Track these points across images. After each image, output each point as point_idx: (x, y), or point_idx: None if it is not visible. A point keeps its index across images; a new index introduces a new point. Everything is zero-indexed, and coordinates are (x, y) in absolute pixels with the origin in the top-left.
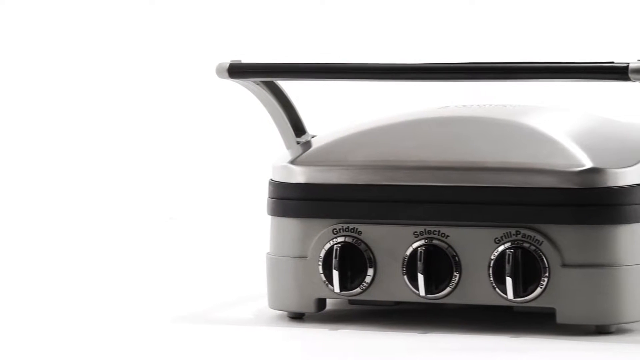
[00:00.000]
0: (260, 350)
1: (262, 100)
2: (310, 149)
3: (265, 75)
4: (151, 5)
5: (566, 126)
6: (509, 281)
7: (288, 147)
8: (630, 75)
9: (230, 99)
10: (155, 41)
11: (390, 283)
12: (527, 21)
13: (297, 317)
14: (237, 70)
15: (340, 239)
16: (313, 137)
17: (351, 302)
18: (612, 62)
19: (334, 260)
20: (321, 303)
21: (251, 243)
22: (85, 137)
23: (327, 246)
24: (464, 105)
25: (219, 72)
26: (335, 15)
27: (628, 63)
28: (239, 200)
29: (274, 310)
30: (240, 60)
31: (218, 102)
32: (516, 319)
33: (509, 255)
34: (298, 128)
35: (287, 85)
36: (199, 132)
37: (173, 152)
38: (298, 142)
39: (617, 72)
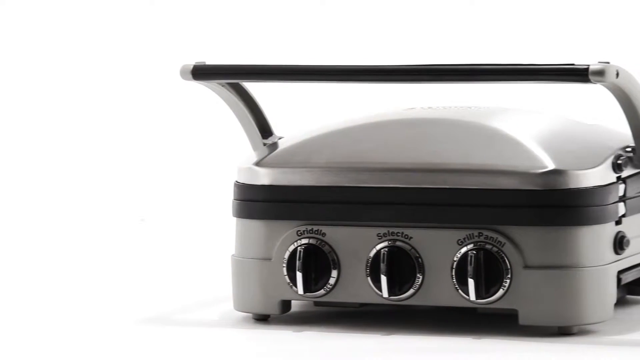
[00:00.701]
0: (223, 352)
1: (227, 102)
2: (275, 151)
3: (228, 77)
4: (123, 6)
5: (531, 128)
6: (471, 283)
7: (255, 149)
8: (591, 77)
9: (201, 100)
10: (123, 43)
11: (354, 284)
12: (495, 24)
13: (262, 319)
14: (201, 72)
15: (304, 241)
16: (280, 138)
17: (316, 303)
18: (573, 64)
19: (297, 262)
20: (286, 305)
21: (219, 245)
22: (56, 140)
23: (291, 248)
24: (430, 107)
25: (182, 73)
26: (304, 16)
27: (588, 65)
28: (210, 202)
29: (239, 312)
30: (204, 62)
31: (189, 103)
32: (479, 320)
33: (471, 256)
34: (265, 130)
35: (256, 87)
36: (169, 134)
37: (144, 154)
38: (265, 144)
39: (577, 74)
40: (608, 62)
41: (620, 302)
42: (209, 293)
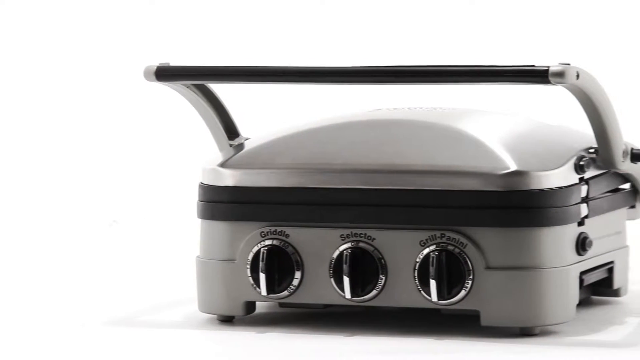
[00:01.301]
0: (185, 354)
1: (193, 104)
2: (240, 152)
3: (192, 78)
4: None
5: (495, 129)
6: (433, 284)
7: (221, 150)
8: (551, 79)
9: (173, 101)
10: (90, 45)
11: (318, 286)
12: (460, 25)
13: (227, 320)
14: (164, 74)
15: (267, 242)
16: (246, 139)
17: (281, 305)
18: (533, 66)
19: (260, 263)
20: (250, 306)
21: (187, 246)
22: (26, 142)
23: (255, 249)
24: (395, 108)
25: (146, 75)
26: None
27: (549, 66)
28: (179, 203)
29: (204, 314)
30: (168, 63)
31: (161, 104)
32: (443, 321)
33: (433, 257)
34: (231, 131)
35: (226, 88)
36: (139, 136)
37: (116, 156)
38: (231, 145)
39: (537, 76)
40: (569, 64)
41: (585, 303)
42: (175, 294)
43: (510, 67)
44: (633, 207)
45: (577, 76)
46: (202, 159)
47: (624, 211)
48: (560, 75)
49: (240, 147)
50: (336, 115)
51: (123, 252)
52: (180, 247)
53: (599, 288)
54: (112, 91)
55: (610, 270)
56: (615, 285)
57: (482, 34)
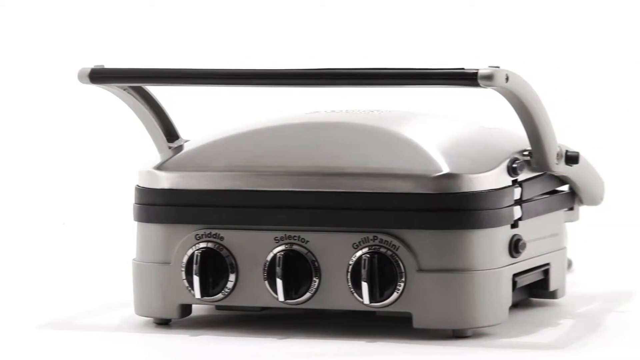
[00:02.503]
0: (119, 357)
1: (130, 106)
2: (176, 155)
3: (125, 80)
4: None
5: (430, 132)
6: (364, 286)
7: (160, 152)
8: (480, 82)
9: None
10: (32, 49)
11: (252, 288)
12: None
13: (163, 323)
14: (98, 76)
15: (202, 245)
16: (186, 141)
17: (218, 307)
18: (463, 69)
19: (194, 266)
20: (186, 309)
21: (127, 249)
22: None
23: (190, 252)
24: (334, 111)
25: (80, 77)
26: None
27: (477, 69)
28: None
29: (140, 317)
30: (103, 66)
31: (108, 106)
32: (378, 323)
33: (365, 260)
34: (171, 133)
35: (172, 90)
36: (86, 138)
37: (65, 159)
38: (170, 147)
39: (466, 79)
40: (498, 67)
41: (522, 305)
42: (113, 297)
43: (440, 70)
44: (572, 209)
45: (507, 79)
46: (141, 161)
47: (561, 213)
48: (488, 78)
49: (178, 149)
50: (274, 117)
51: (63, 255)
52: (120, 249)
53: (536, 290)
54: (57, 93)
55: (546, 272)
56: (552, 287)
57: (438, 37)
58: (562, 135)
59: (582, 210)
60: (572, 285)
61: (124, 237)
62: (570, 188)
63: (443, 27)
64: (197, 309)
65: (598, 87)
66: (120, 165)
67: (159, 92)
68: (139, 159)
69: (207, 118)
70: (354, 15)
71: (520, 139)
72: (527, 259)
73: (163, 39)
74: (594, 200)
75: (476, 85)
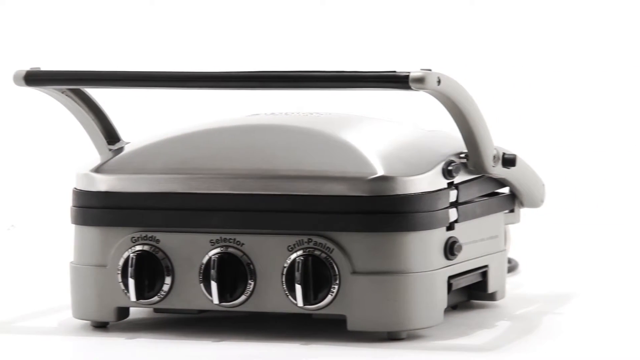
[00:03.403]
0: None
1: (69, 108)
2: (114, 158)
3: (62, 82)
4: None
5: (367, 135)
6: (298, 289)
7: (101, 154)
8: (411, 84)
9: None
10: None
11: (188, 291)
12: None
13: (101, 326)
14: (34, 78)
15: (137, 248)
16: (127, 144)
17: (156, 310)
18: (394, 71)
19: (129, 268)
20: (123, 312)
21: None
22: None
23: (125, 255)
24: (273, 113)
25: (15, 79)
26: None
27: (409, 72)
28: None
29: (78, 320)
30: (39, 68)
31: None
32: (314, 326)
33: (298, 262)
34: (111, 135)
35: (118, 93)
36: (31, 140)
37: (8, 162)
38: (110, 150)
39: (398, 81)
40: (430, 69)
41: (462, 307)
42: (52, 301)
43: (371, 72)
44: (512, 211)
45: (439, 82)
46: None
47: (501, 215)
48: (420, 81)
49: (117, 152)
50: (212, 120)
51: (14, 258)
52: (60, 252)
53: (475, 292)
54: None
55: (485, 274)
56: (490, 289)
57: (338, 40)
58: (502, 138)
59: (526, 212)
60: (515, 286)
61: (65, 240)
62: (511, 190)
63: (398, 31)
64: (135, 312)
65: (539, 90)
66: (62, 167)
67: (102, 94)
68: (79, 162)
69: (153, 120)
70: (334, 17)
71: (459, 141)
72: (464, 261)
73: (142, 39)
74: (535, 203)
75: (407, 88)
